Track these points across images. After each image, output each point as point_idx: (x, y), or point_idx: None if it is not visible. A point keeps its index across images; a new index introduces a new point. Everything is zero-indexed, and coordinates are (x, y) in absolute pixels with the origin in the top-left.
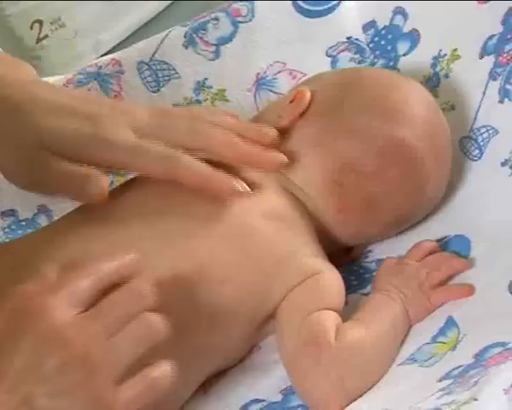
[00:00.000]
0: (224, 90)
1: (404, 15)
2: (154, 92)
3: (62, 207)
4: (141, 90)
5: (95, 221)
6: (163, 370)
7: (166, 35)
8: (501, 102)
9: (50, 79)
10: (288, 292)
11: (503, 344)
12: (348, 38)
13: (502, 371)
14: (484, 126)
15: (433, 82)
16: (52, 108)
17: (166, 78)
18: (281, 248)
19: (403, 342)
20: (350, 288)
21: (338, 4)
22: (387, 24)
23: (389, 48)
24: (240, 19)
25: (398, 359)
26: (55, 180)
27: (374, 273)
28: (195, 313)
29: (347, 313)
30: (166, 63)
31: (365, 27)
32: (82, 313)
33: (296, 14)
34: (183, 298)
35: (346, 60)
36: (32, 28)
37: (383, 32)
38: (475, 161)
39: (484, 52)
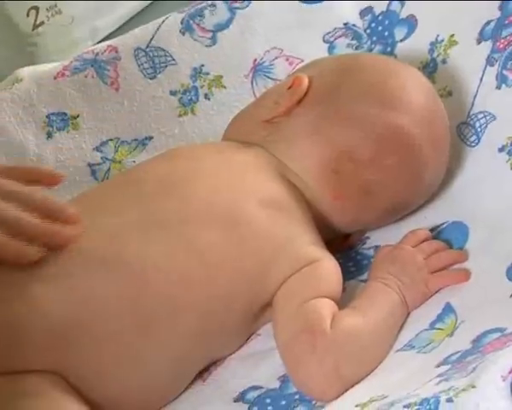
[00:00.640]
0: (221, 77)
1: (401, 1)
2: (150, 79)
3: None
4: (137, 76)
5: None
6: None
7: (163, 21)
8: (498, 87)
9: (47, 66)
10: (285, 280)
11: (500, 330)
12: (345, 24)
13: (499, 358)
14: (481, 112)
15: (430, 68)
16: None
17: (163, 64)
18: (278, 235)
19: (401, 328)
20: (348, 274)
21: None
22: (384, 10)
23: (386, 34)
24: (237, 5)
25: (396, 345)
26: None
27: (371, 260)
28: (191, 298)
29: (345, 299)
30: (163, 50)
31: (362, 13)
32: None
33: (293, 0)
34: (178, 283)
35: (343, 46)
36: (28, 15)
37: (380, 17)
38: (473, 147)
39: (481, 38)
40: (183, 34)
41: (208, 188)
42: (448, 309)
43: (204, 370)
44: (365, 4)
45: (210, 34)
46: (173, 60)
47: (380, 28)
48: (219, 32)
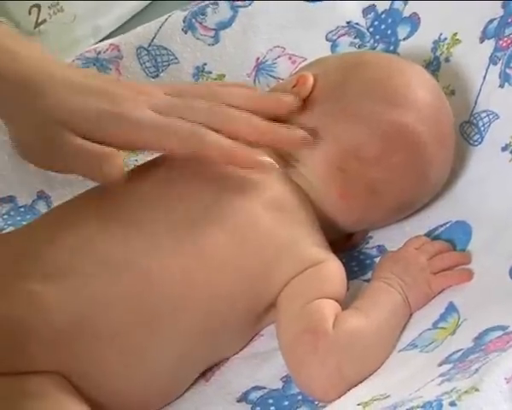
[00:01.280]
0: (224, 76)
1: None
2: (153, 78)
3: (61, 193)
4: (140, 75)
5: (93, 211)
6: None
7: (165, 20)
8: (501, 86)
9: None
10: (288, 281)
11: (502, 328)
12: (348, 23)
13: (502, 360)
14: (484, 111)
15: (433, 66)
16: (72, 85)
17: (165, 63)
18: (282, 237)
19: (404, 328)
20: (351, 274)
21: None
22: (387, 8)
23: (389, 32)
24: (239, 3)
25: (399, 345)
26: (70, 158)
27: (375, 259)
28: (194, 297)
29: (348, 299)
30: (165, 48)
31: (365, 11)
32: None
33: None
34: (182, 282)
35: (345, 44)
36: (30, 13)
37: (383, 16)
38: (476, 145)
39: (484, 36)
40: (186, 33)
41: (211, 189)
42: (451, 308)
43: (207, 370)
44: (368, 3)
45: (212, 33)
46: (176, 58)
47: (383, 27)
48: (222, 30)
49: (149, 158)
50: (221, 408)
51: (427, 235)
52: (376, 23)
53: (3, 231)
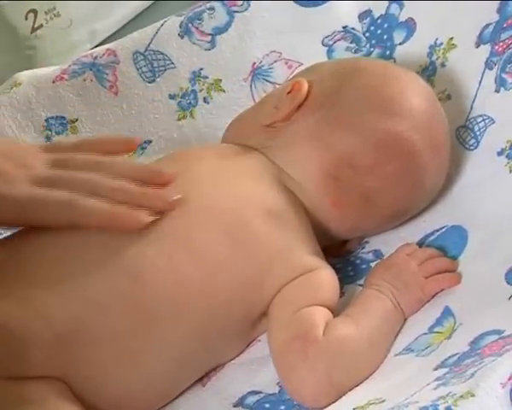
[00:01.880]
0: (220, 80)
1: (400, 4)
2: (149, 83)
3: None
4: (136, 80)
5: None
6: None
7: (162, 25)
8: (497, 91)
9: (45, 70)
10: (281, 288)
11: (498, 332)
12: (344, 28)
13: (498, 365)
14: (480, 116)
15: (429, 71)
16: None
17: (162, 68)
18: (275, 244)
19: (399, 333)
20: (347, 278)
21: None
22: (383, 13)
23: (385, 37)
24: (235, 8)
25: (394, 350)
26: None
27: (371, 264)
28: (191, 300)
29: (344, 303)
30: (162, 53)
31: (361, 16)
32: None
33: (292, 3)
34: (177, 285)
35: (342, 49)
36: (26, 18)
37: (379, 21)
38: (472, 150)
39: (480, 41)
40: (182, 38)
41: (206, 195)
42: (447, 312)
43: (203, 375)
44: (364, 7)
45: (209, 38)
46: (172, 63)
47: (379, 31)
48: (218, 35)
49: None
50: None
51: (423, 239)
52: (372, 28)
53: None
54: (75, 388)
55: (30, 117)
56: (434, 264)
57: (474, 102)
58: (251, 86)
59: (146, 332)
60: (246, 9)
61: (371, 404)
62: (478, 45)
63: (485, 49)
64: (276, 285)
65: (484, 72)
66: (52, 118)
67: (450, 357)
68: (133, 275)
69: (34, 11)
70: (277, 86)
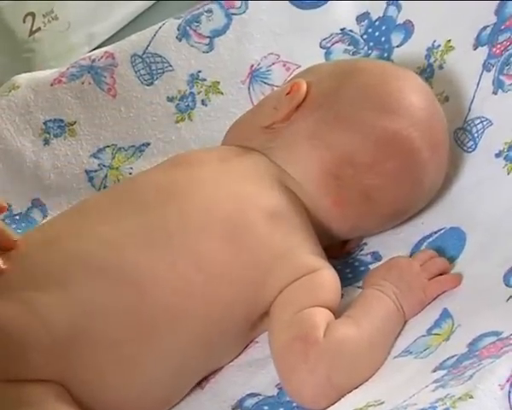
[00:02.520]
0: (218, 83)
1: (398, 6)
2: (147, 85)
3: (56, 201)
4: (134, 83)
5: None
6: None
7: (160, 27)
8: (495, 93)
9: (44, 73)
10: (283, 289)
11: (496, 333)
12: (342, 30)
13: (496, 367)
14: (478, 118)
15: (426, 73)
16: None
17: (160, 70)
18: (277, 245)
19: (399, 335)
20: (345, 280)
21: None
22: (381, 15)
23: (383, 39)
24: (233, 11)
25: (393, 352)
26: None
27: (369, 266)
28: (191, 306)
29: (342, 305)
30: (160, 56)
31: (359, 19)
32: None
33: (290, 5)
34: (177, 292)
35: (339, 51)
36: (24, 21)
37: (377, 23)
38: (470, 152)
39: (477, 43)
40: (180, 40)
41: (207, 198)
42: (445, 314)
43: (202, 378)
44: (362, 10)
45: (207, 40)
46: (170, 66)
47: (377, 34)
48: (216, 38)
49: (144, 166)
50: None
51: (422, 241)
52: (370, 30)
53: None
54: (75, 392)
55: (28, 120)
56: (436, 265)
57: (471, 103)
58: (249, 88)
59: (145, 339)
60: (244, 12)
61: (370, 406)
62: (475, 47)
63: (483, 51)
64: (278, 286)
65: (482, 74)
66: (50, 121)
67: (448, 359)
68: (134, 282)
69: (32, 14)
70: (275, 88)
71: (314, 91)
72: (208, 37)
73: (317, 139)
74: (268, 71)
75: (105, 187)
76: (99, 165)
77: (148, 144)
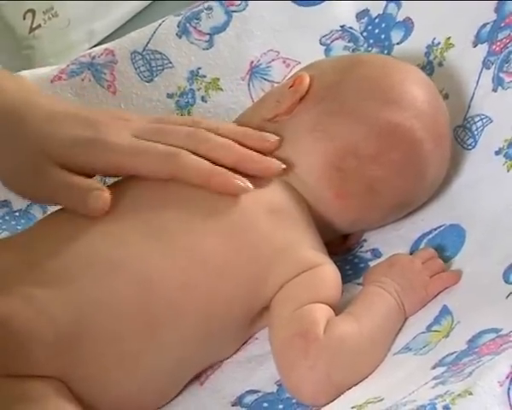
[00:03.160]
0: (218, 79)
1: (398, 4)
2: (147, 82)
3: None
4: (134, 79)
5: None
6: None
7: (160, 24)
8: (494, 90)
9: (44, 70)
10: (283, 284)
11: (495, 330)
12: (342, 27)
13: (496, 363)
14: (478, 115)
15: (426, 71)
16: (52, 115)
17: (160, 67)
18: (278, 240)
19: (398, 332)
20: (345, 278)
21: None
22: (381, 12)
23: (383, 36)
24: (233, 8)
25: (393, 349)
26: (54, 191)
27: (369, 263)
28: (193, 302)
29: (342, 302)
30: (160, 53)
31: (359, 16)
32: None
33: (290, 2)
34: (180, 288)
35: (339, 48)
36: (24, 18)
37: (377, 20)
38: (469, 149)
39: (477, 40)
40: (180, 37)
41: (209, 194)
42: (445, 311)
43: (201, 374)
44: (362, 7)
45: (207, 37)
46: (170, 63)
47: (376, 31)
48: (216, 34)
49: None
50: None
51: (421, 238)
52: (370, 27)
53: None
54: (75, 388)
55: None
56: (436, 262)
57: (471, 101)
58: (249, 85)
59: (148, 334)
60: (244, 9)
61: (369, 403)
62: (475, 45)
63: (483, 49)
64: (278, 281)
65: (481, 71)
66: None
67: (447, 356)
68: (137, 278)
69: (32, 11)
70: (275, 85)
71: (317, 84)
72: (208, 34)
73: (319, 131)
74: (268, 67)
75: (104, 183)
76: None
77: None
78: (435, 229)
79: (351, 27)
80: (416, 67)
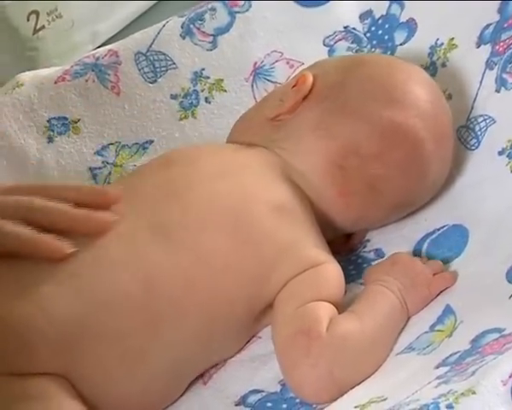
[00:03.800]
0: (222, 80)
1: (401, 5)
2: (151, 83)
3: None
4: (138, 80)
5: None
6: None
7: (163, 25)
8: (497, 91)
9: (47, 71)
10: (286, 282)
11: (499, 330)
12: (345, 28)
13: (499, 363)
14: (481, 116)
15: (430, 71)
16: None
17: (163, 68)
18: (281, 238)
19: (402, 331)
20: (348, 277)
21: None
22: (384, 13)
23: (386, 37)
24: (237, 9)
25: (396, 348)
26: None
27: (372, 263)
28: (196, 300)
29: (345, 302)
30: (163, 54)
31: (362, 17)
32: None
33: (293, 3)
34: (183, 286)
35: (343, 49)
36: (28, 19)
37: (380, 21)
38: (473, 150)
39: (480, 41)
40: (184, 38)
41: (211, 191)
42: (448, 311)
43: (205, 373)
44: (365, 8)
45: (210, 38)
46: (174, 64)
47: (380, 32)
48: (220, 35)
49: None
50: None
51: (424, 238)
52: (373, 28)
53: None
54: (77, 385)
55: (32, 118)
56: (437, 262)
57: (474, 101)
58: (252, 86)
59: (150, 332)
60: (247, 10)
61: (373, 402)
62: (478, 45)
63: (486, 50)
64: (281, 279)
65: (484, 72)
66: (54, 118)
67: (451, 355)
68: (140, 276)
69: (36, 12)
70: (278, 85)
71: (320, 84)
72: (212, 35)
73: (322, 130)
74: (271, 68)
75: (109, 184)
76: (103, 162)
77: (152, 142)
78: (438, 229)
79: (354, 28)
80: (419, 67)
